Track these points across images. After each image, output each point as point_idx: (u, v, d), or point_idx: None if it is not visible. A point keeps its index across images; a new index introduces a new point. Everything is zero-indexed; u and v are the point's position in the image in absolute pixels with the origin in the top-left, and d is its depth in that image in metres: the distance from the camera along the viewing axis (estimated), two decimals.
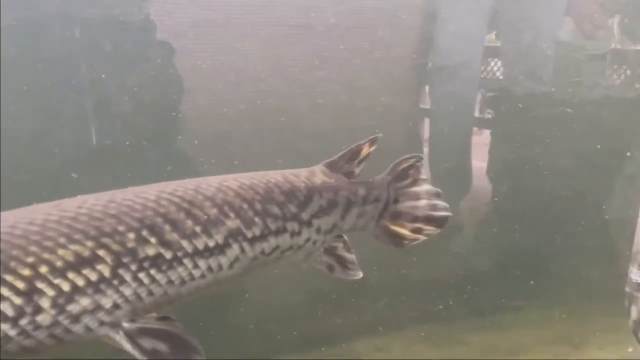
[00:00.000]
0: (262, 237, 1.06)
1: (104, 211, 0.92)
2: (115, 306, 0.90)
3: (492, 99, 2.56)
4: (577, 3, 2.42)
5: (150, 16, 2.05)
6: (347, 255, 1.24)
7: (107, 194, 0.96)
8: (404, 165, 1.27)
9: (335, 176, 1.21)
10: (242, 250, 1.03)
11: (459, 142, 2.50)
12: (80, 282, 0.87)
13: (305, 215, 1.13)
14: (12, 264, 0.83)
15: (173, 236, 0.95)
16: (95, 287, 0.88)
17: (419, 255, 2.21)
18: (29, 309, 0.83)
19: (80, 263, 0.87)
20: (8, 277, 0.82)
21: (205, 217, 0.99)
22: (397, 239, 1.27)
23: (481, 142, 2.63)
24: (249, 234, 1.04)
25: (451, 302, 2.42)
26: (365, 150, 1.24)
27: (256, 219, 1.05)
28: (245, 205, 1.04)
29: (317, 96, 2.33)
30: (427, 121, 2.65)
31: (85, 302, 0.87)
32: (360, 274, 1.24)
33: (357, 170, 1.25)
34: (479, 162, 2.59)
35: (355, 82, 2.37)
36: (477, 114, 2.70)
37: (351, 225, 1.22)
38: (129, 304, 0.92)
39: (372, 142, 1.24)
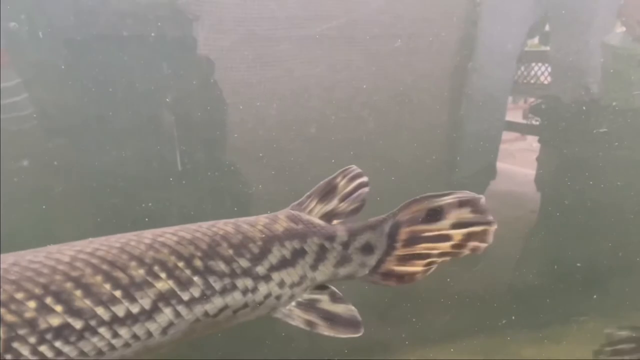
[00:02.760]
0: (204, 298, 0.87)
1: (3, 276, 0.75)
2: None
3: (537, 105, 2.25)
4: (629, 7, 2.09)
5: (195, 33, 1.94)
6: (337, 308, 1.00)
7: (14, 255, 0.80)
8: (432, 204, 1.01)
9: (305, 220, 0.99)
10: (177, 314, 0.85)
11: (485, 147, 2.24)
12: None
13: (261, 270, 0.92)
14: None
15: (85, 303, 0.78)
16: None
17: (467, 266, 2.03)
18: None
19: None
20: None
21: (128, 279, 0.81)
22: (406, 277, 1.03)
23: (524, 149, 2.35)
24: (186, 296, 0.85)
25: (504, 314, 2.21)
26: (343, 184, 1.01)
27: (195, 279, 0.86)
28: (181, 264, 0.85)
29: (358, 106, 2.14)
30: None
31: None
32: (359, 332, 0.99)
33: (342, 207, 1.01)
34: (524, 169, 2.32)
35: (397, 89, 2.15)
36: (520, 120, 2.42)
37: (330, 276, 1.00)
38: None
39: (347, 173, 1.01)
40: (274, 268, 0.93)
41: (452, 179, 2.23)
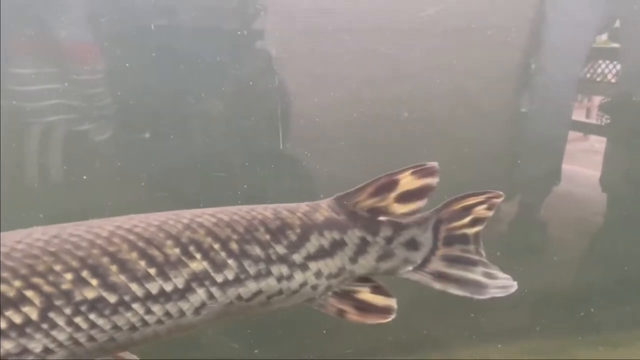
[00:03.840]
0: (238, 281, 0.85)
1: (44, 249, 0.76)
2: (48, 351, 0.75)
3: (607, 104, 2.12)
4: None
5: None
6: (375, 299, 0.96)
7: (58, 227, 0.81)
8: (470, 201, 0.97)
9: (347, 211, 0.95)
10: (211, 295, 0.83)
11: (550, 147, 2.13)
12: (2, 324, 0.72)
13: (297, 258, 0.89)
14: None
15: (120, 278, 0.78)
16: (21, 330, 0.73)
17: (525, 266, 1.96)
18: None
19: (4, 304, 0.72)
20: None
21: (163, 258, 0.80)
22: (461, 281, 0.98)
23: (586, 149, 2.22)
24: (219, 278, 0.83)
25: (560, 316, 2.12)
26: (409, 180, 0.95)
27: (230, 262, 0.84)
28: (217, 246, 0.83)
29: (419, 101, 2.08)
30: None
31: (8, 345, 0.73)
32: (388, 318, 0.95)
33: (397, 207, 0.95)
34: (585, 169, 2.20)
35: (460, 85, 2.08)
36: (583, 119, 2.28)
37: (370, 269, 0.96)
38: (66, 350, 0.76)
39: (418, 170, 0.95)
40: (311, 257, 0.90)
41: (517, 180, 2.14)
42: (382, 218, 0.96)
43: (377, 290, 0.96)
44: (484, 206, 0.98)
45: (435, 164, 0.95)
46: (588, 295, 2.11)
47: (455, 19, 2.02)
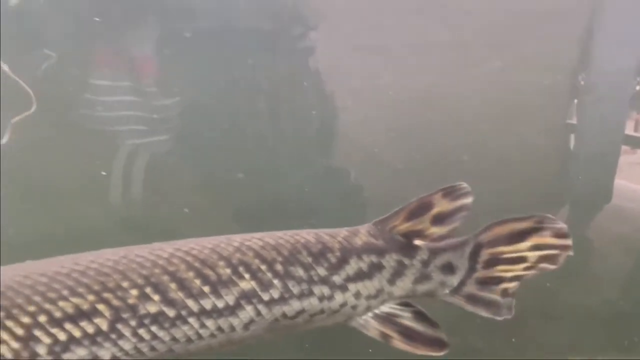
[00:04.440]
0: (282, 300, 0.92)
1: (114, 267, 0.86)
2: (115, 359, 0.84)
3: None
4: None
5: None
6: (418, 326, 1.00)
7: (126, 249, 0.91)
8: (516, 226, 0.99)
9: (385, 236, 1.01)
10: (258, 313, 0.91)
11: (603, 161, 2.08)
12: (77, 333, 0.82)
13: (337, 279, 0.96)
14: (14, 311, 0.81)
15: (178, 295, 0.86)
16: (92, 339, 0.83)
17: (569, 282, 1.94)
18: (26, 353, 0.81)
19: (79, 315, 0.82)
20: (9, 323, 0.81)
21: (216, 277, 0.88)
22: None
23: (634, 162, 2.16)
24: (266, 297, 0.91)
25: (604, 333, 2.08)
26: (443, 202, 1.00)
27: (275, 282, 0.92)
28: (263, 267, 0.91)
29: (467, 109, 2.09)
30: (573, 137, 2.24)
31: (82, 352, 0.83)
32: (442, 352, 0.98)
33: (432, 229, 1.00)
34: (632, 184, 2.14)
35: (505, 94, 2.08)
36: (632, 132, 2.23)
37: (408, 291, 1.01)
38: (130, 357, 0.85)
39: (449, 193, 1.00)
40: (350, 279, 0.96)
41: (568, 197, 2.12)
42: (418, 242, 1.01)
43: (419, 316, 1.00)
44: (548, 232, 0.98)
45: (465, 184, 0.99)
46: (632, 311, 2.06)
47: (499, 36, 2.02)
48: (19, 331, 0.79)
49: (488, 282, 1.01)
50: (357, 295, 0.97)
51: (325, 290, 0.94)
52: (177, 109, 2.03)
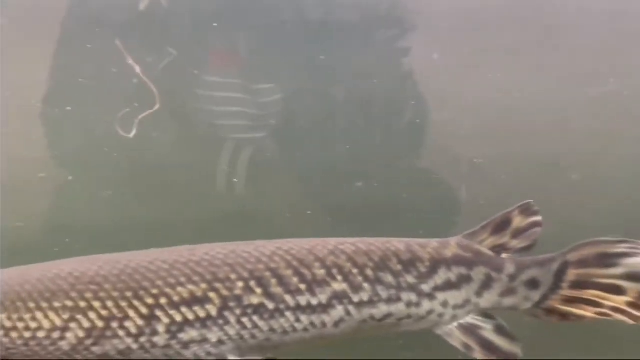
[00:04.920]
0: (371, 303, 0.99)
1: (224, 260, 0.97)
2: (220, 342, 0.95)
3: None
4: None
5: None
6: (498, 340, 1.04)
7: (233, 244, 1.01)
8: (607, 249, 1.01)
9: (474, 249, 1.05)
10: (348, 312, 0.99)
11: None
12: (190, 316, 0.94)
13: (426, 288, 1.01)
14: (141, 292, 0.94)
15: (278, 289, 0.96)
16: (203, 322, 0.94)
17: None
18: (148, 330, 0.94)
19: (193, 300, 0.94)
20: (136, 302, 0.93)
21: (311, 276, 0.97)
22: (571, 317, 1.05)
23: None
24: (356, 298, 0.98)
25: None
26: (518, 220, 1.04)
27: (365, 285, 0.99)
28: (355, 271, 0.99)
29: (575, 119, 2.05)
30: None
31: (193, 333, 0.94)
32: None
33: (513, 243, 1.04)
34: None
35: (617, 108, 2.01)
36: None
37: (494, 304, 1.05)
38: (234, 342, 0.96)
39: (525, 209, 1.03)
40: (438, 288, 1.01)
41: None
42: (505, 256, 1.04)
43: (500, 330, 1.04)
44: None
45: (531, 201, 1.03)
46: None
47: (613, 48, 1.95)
48: (144, 310, 0.92)
49: (579, 302, 1.02)
50: (444, 304, 1.02)
51: (413, 297, 1.00)
52: (279, 106, 2.13)
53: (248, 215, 2.09)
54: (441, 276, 1.01)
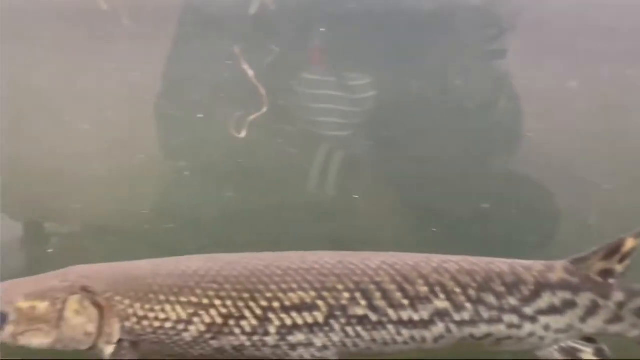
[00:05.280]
0: (472, 322, 1.02)
1: (331, 270, 1.02)
2: (325, 347, 1.01)
3: None
4: None
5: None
6: None
7: (340, 254, 1.06)
8: None
9: (581, 274, 1.05)
10: (448, 330, 1.02)
11: None
12: (299, 320, 1.00)
13: (528, 310, 1.02)
14: (256, 295, 1.01)
15: (381, 303, 1.00)
16: (310, 327, 1.00)
17: None
18: (261, 330, 1.01)
19: (303, 306, 1.00)
20: (252, 304, 1.01)
21: (414, 293, 1.01)
22: None
23: None
24: (457, 317, 1.01)
25: None
26: (630, 244, 1.03)
27: (467, 305, 1.01)
28: (458, 290, 1.01)
29: None
30: None
31: (301, 337, 1.01)
32: None
33: (618, 268, 1.04)
34: None
35: None
36: None
37: (598, 330, 1.04)
38: (336, 348, 1.02)
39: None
40: (541, 312, 1.02)
41: None
42: (612, 281, 1.03)
43: (600, 353, 1.04)
44: None
45: None
46: None
47: None
48: (258, 312, 0.99)
49: None
50: (546, 327, 1.03)
51: (515, 319, 1.02)
52: (373, 105, 2.16)
53: (338, 212, 2.14)
54: (545, 300, 1.02)
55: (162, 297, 1.00)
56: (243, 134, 1.83)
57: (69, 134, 2.00)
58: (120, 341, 1.01)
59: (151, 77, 1.93)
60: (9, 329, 1.00)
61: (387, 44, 2.07)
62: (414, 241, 1.97)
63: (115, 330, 1.00)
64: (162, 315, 1.00)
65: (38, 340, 1.00)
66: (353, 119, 2.16)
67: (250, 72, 1.80)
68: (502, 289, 1.01)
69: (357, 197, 2.14)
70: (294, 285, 1.00)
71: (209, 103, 1.93)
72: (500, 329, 1.02)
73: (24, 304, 1.00)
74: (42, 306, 1.00)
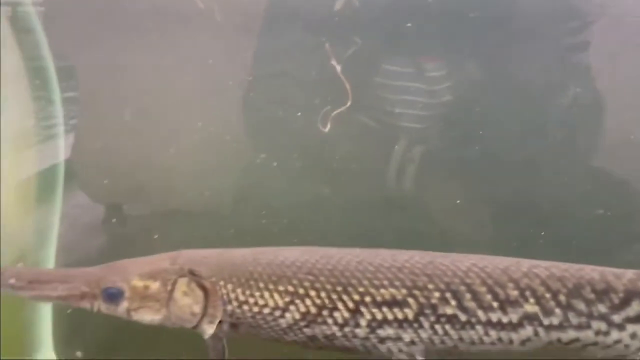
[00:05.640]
0: (560, 327, 1.04)
1: (422, 270, 1.07)
2: (412, 342, 1.07)
3: None
4: None
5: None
6: None
7: (430, 255, 1.11)
8: None
9: None
10: (536, 333, 1.05)
11: None
12: (390, 316, 1.06)
13: (617, 318, 1.04)
14: (349, 288, 1.08)
15: (471, 304, 1.05)
16: (400, 323, 1.06)
17: None
18: (352, 322, 1.08)
19: (393, 302, 1.06)
20: (345, 297, 1.08)
21: (505, 296, 1.04)
22: None
23: None
24: (546, 321, 1.04)
25: None
26: None
27: (557, 310, 1.04)
28: (548, 295, 1.04)
29: None
30: None
31: (390, 331, 1.07)
32: None
33: None
34: None
35: None
36: None
37: None
38: (424, 344, 1.07)
39: None
40: (629, 320, 1.04)
41: None
42: None
43: None
44: None
45: None
46: None
47: None
48: (351, 304, 1.06)
49: None
50: (633, 336, 1.04)
51: (603, 326, 1.04)
52: (452, 98, 2.16)
53: (415, 206, 2.17)
54: (634, 308, 1.03)
55: (261, 285, 1.08)
56: (327, 128, 1.89)
57: (157, 123, 2.11)
58: (221, 322, 1.09)
59: (240, 72, 2.02)
60: (124, 305, 1.11)
61: (466, 36, 2.07)
62: (491, 239, 1.99)
63: (217, 312, 1.09)
64: (261, 302, 1.08)
65: (149, 316, 1.10)
66: (432, 111, 2.17)
67: (337, 67, 1.85)
68: (592, 296, 1.04)
69: (432, 189, 2.16)
70: (386, 282, 1.06)
71: (295, 96, 2.00)
72: (587, 334, 1.04)
73: (138, 283, 1.10)
74: (154, 286, 1.10)
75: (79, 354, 1.93)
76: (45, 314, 1.92)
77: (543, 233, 1.89)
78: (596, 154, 2.09)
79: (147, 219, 2.23)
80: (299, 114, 1.96)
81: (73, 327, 1.93)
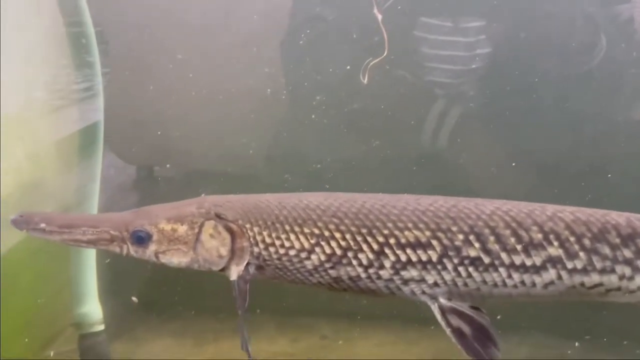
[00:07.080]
0: (584, 271, 1.06)
1: (446, 213, 1.11)
2: (436, 284, 1.11)
3: None
4: None
5: None
6: None
7: (454, 199, 1.14)
8: None
9: None
10: (559, 277, 1.07)
11: None
12: (414, 257, 1.10)
13: None
14: (374, 230, 1.12)
15: (495, 246, 1.08)
16: (424, 265, 1.10)
17: None
18: (376, 264, 1.12)
19: (417, 244, 1.10)
20: (369, 239, 1.12)
21: (528, 239, 1.07)
22: None
23: None
24: (569, 265, 1.06)
25: None
26: None
27: (581, 254, 1.06)
28: (572, 239, 1.06)
29: None
30: None
31: (414, 273, 1.11)
32: None
33: None
34: None
35: None
36: None
37: None
38: (447, 287, 1.11)
39: None
40: None
41: None
42: None
43: None
44: None
45: None
46: None
47: None
48: (375, 246, 1.10)
49: None
50: None
51: (627, 271, 1.05)
52: (491, 62, 2.14)
53: (449, 164, 2.18)
54: None
55: (287, 227, 1.12)
56: (365, 80, 1.91)
57: (190, 86, 2.18)
58: (248, 265, 1.15)
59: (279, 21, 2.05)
60: (152, 248, 1.16)
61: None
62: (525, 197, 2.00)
63: (244, 254, 1.14)
64: (287, 244, 1.12)
65: (177, 259, 1.16)
66: (468, 66, 2.16)
67: (379, 17, 1.86)
68: (617, 240, 1.05)
69: (469, 147, 2.16)
70: (410, 225, 1.09)
71: (336, 45, 2.02)
72: (611, 279, 1.06)
73: (166, 226, 1.15)
74: (182, 229, 1.15)
75: (134, 299, 2.07)
76: (90, 266, 2.04)
77: (583, 184, 1.89)
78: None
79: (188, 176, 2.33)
80: (348, 67, 1.97)
81: (116, 278, 2.05)
